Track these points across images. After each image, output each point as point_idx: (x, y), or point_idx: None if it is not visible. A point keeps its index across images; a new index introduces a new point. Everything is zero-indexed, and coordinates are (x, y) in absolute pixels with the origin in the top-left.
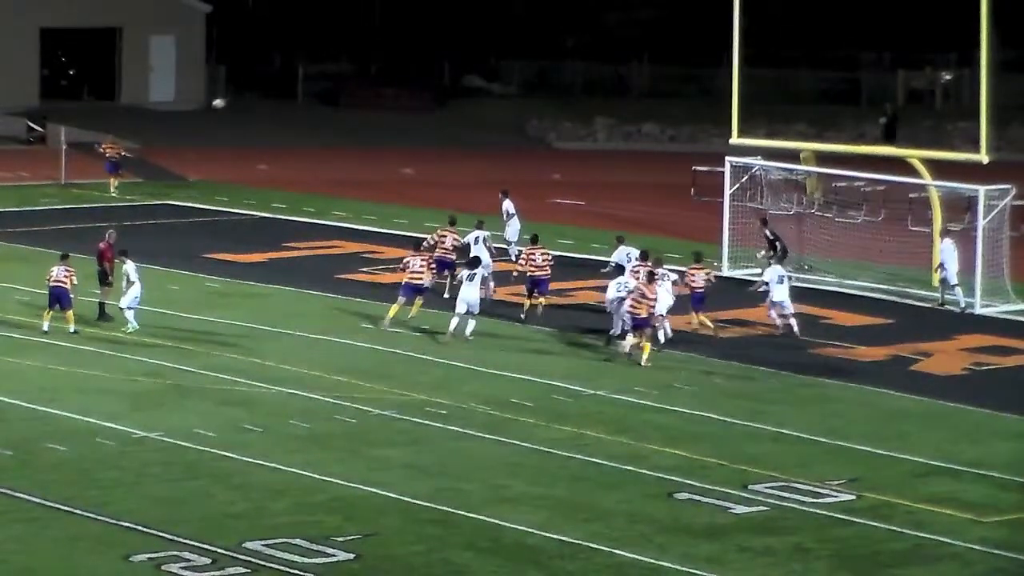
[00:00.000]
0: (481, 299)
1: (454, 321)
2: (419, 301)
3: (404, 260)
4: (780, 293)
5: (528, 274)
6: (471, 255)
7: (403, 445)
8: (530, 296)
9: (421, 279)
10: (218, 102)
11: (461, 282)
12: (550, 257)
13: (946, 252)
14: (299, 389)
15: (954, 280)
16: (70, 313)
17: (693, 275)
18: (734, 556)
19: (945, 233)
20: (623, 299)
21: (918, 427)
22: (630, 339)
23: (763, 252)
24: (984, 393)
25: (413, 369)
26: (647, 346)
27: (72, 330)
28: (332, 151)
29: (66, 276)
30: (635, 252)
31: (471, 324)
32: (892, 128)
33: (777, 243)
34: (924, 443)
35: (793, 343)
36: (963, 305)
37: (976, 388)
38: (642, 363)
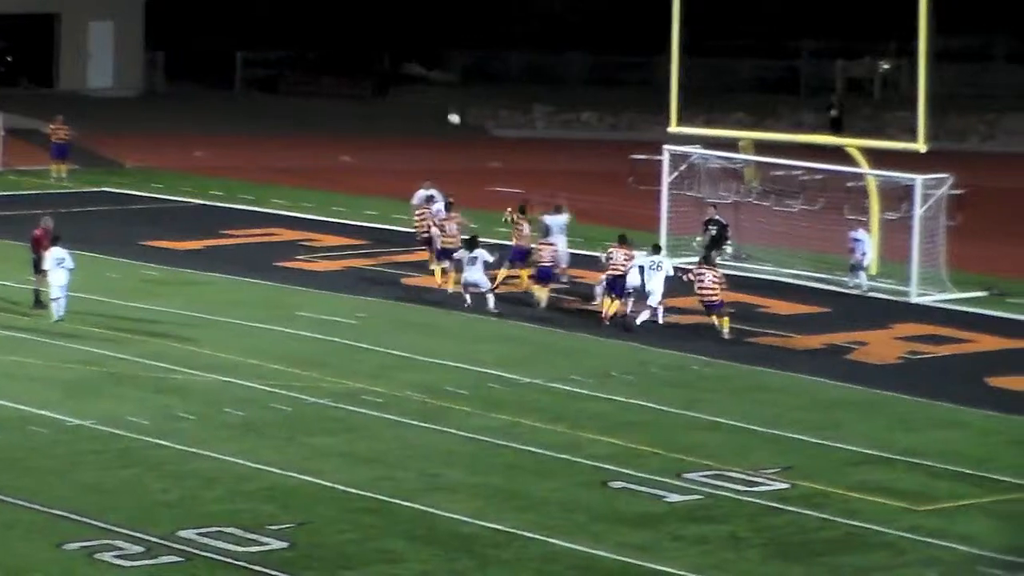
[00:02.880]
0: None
1: (467, 298)
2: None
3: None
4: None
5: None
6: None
7: (338, 433)
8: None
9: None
10: (454, 118)
11: (463, 263)
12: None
13: (864, 240)
14: (235, 377)
15: (864, 263)
16: None
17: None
18: (668, 544)
19: (859, 223)
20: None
21: (853, 416)
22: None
23: (702, 239)
24: (919, 382)
25: (349, 358)
26: (726, 320)
27: None
28: (271, 138)
29: None
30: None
31: (489, 300)
32: (840, 121)
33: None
34: (859, 432)
35: (732, 333)
36: (864, 288)
37: (911, 377)
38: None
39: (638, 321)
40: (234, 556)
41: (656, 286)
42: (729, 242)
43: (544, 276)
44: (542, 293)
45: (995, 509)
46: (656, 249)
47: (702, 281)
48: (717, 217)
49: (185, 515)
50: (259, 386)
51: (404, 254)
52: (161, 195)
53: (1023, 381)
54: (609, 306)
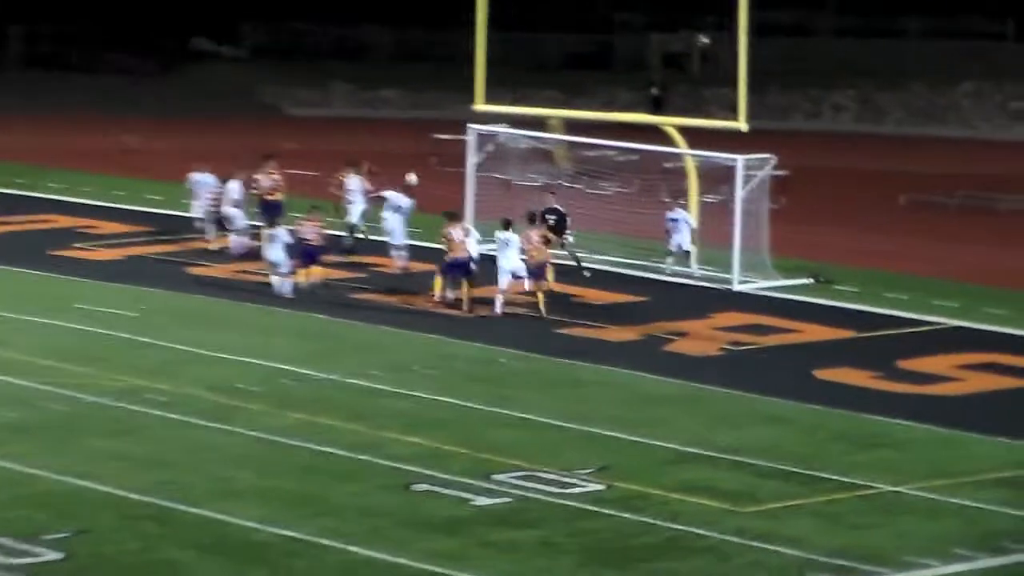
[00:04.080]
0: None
1: (274, 279)
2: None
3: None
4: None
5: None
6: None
7: (119, 435)
8: (304, 267)
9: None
10: (411, 177)
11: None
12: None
13: (681, 219)
14: (5, 375)
15: (683, 248)
16: None
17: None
18: (476, 551)
19: (676, 204)
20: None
21: (672, 411)
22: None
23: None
24: (742, 374)
25: (130, 353)
26: (541, 296)
27: None
28: (48, 119)
29: None
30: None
31: (286, 284)
32: (661, 100)
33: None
34: (679, 428)
35: (541, 323)
36: (695, 272)
37: (733, 369)
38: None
39: (498, 310)
40: (5, 568)
41: (515, 263)
42: (569, 232)
43: (308, 256)
44: (306, 275)
45: (823, 510)
46: (506, 225)
47: (529, 242)
48: (556, 206)
49: None
50: (31, 384)
51: (190, 241)
52: None
53: (850, 373)
54: (440, 287)
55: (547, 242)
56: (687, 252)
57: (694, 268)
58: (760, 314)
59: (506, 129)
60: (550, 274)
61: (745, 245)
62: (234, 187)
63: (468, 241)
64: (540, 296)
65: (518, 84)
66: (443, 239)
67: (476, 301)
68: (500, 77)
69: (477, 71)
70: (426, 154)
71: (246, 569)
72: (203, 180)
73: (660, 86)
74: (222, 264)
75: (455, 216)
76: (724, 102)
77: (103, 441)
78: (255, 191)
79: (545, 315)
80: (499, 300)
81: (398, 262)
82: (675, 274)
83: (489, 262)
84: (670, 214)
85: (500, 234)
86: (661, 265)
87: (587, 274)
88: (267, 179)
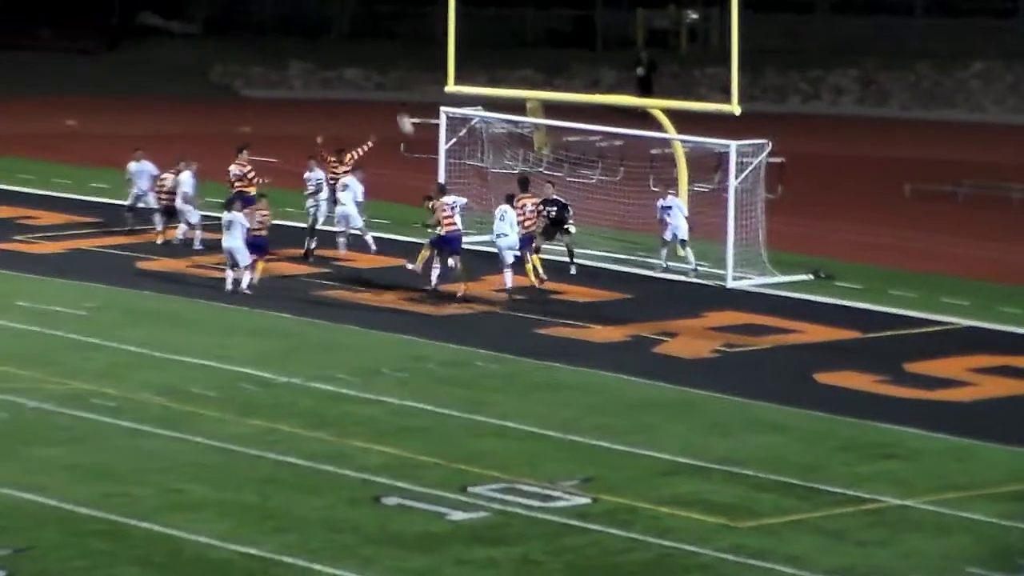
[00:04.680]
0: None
1: (228, 275)
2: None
3: None
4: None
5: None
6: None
7: (64, 443)
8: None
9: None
10: (405, 123)
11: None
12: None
13: (675, 207)
14: None
15: (679, 237)
16: None
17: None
18: (451, 570)
19: (668, 191)
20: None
21: (662, 418)
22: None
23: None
24: (737, 378)
25: (76, 355)
26: (530, 268)
27: None
28: None
29: None
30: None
31: (245, 277)
32: (648, 80)
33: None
34: (669, 437)
35: (519, 322)
36: (664, 266)
37: (727, 373)
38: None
39: (509, 284)
40: None
41: (513, 240)
42: (571, 223)
43: (256, 247)
44: (257, 267)
45: (825, 525)
46: (510, 199)
47: (523, 211)
48: (555, 196)
49: None
50: None
51: (139, 234)
52: None
53: (854, 377)
54: (423, 259)
55: (559, 228)
56: (683, 241)
57: (691, 257)
58: (756, 313)
59: (480, 112)
60: (539, 264)
61: (739, 238)
62: (186, 179)
63: (456, 216)
64: (529, 268)
65: (493, 63)
66: (437, 220)
67: (471, 299)
68: (473, 56)
69: (449, 49)
70: (392, 140)
71: None
72: (141, 169)
73: (647, 66)
74: (175, 258)
75: (436, 194)
76: (716, 83)
77: (47, 450)
78: (231, 182)
79: (539, 285)
80: (508, 275)
81: (342, 249)
82: (667, 270)
83: (481, 257)
84: (662, 202)
85: (501, 207)
86: (652, 260)
87: (573, 271)
88: (238, 170)
